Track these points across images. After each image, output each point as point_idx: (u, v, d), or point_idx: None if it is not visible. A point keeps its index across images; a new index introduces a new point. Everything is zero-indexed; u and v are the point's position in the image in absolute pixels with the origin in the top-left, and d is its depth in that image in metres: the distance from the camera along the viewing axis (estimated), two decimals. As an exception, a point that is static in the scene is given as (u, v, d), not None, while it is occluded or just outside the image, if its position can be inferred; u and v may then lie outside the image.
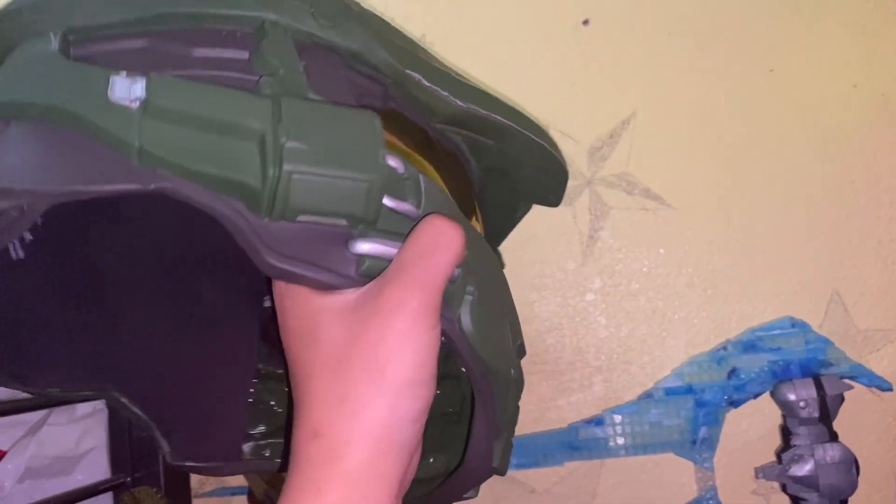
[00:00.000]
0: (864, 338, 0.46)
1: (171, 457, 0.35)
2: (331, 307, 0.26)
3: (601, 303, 0.48)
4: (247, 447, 0.38)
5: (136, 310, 0.36)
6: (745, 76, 0.46)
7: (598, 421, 0.46)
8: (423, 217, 0.27)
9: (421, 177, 0.28)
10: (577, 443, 0.46)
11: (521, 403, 0.48)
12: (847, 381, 0.45)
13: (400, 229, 0.27)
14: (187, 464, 0.36)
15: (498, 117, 0.35)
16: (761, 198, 0.47)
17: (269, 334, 0.40)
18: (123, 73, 0.24)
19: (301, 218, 0.25)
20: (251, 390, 0.39)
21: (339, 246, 0.26)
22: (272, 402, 0.40)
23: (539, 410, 0.48)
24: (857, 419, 0.46)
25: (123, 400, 0.35)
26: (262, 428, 0.39)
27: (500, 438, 0.32)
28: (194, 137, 0.24)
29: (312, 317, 0.26)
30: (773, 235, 0.47)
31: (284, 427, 0.39)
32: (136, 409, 0.35)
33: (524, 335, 0.48)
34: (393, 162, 0.27)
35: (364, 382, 0.25)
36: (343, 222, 0.26)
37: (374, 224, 0.26)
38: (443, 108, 0.34)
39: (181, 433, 0.36)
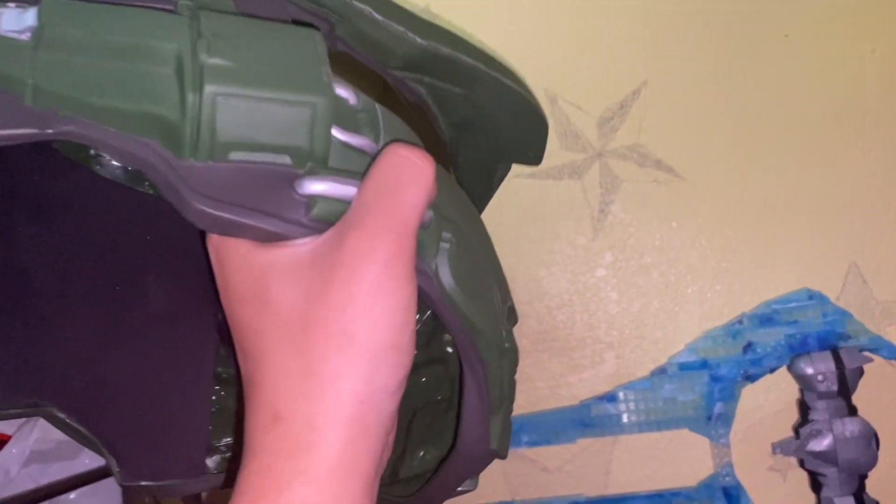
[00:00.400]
0: (883, 309, 0.45)
1: (121, 477, 0.31)
2: (281, 263, 0.22)
3: (612, 278, 0.47)
4: (211, 461, 0.34)
5: (71, 312, 0.32)
6: (758, 42, 0.45)
7: (610, 397, 0.45)
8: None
9: (377, 107, 0.24)
10: (589, 420, 0.45)
11: (531, 381, 0.48)
12: (866, 353, 0.44)
13: (356, 168, 0.23)
14: (142, 483, 0.31)
15: (464, 57, 0.31)
16: (776, 167, 0.46)
17: (230, 334, 0.37)
18: (12, 4, 0.20)
19: (234, 156, 0.21)
20: (213, 397, 0.35)
21: (283, 188, 0.22)
22: (238, 410, 0.35)
23: (550, 388, 0.47)
24: (876, 392, 0.45)
25: (60, 415, 0.31)
26: (228, 439, 0.35)
27: (497, 415, 0.28)
28: (98, 68, 0.20)
29: (259, 276, 0.22)
30: (789, 206, 0.46)
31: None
32: (75, 425, 0.31)
33: (534, 312, 0.47)
34: (343, 91, 0.23)
35: (331, 352, 0.21)
36: (286, 159, 0.21)
37: (325, 162, 0.22)
38: (399, 47, 0.29)
39: (132, 449, 0.32)
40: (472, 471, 0.30)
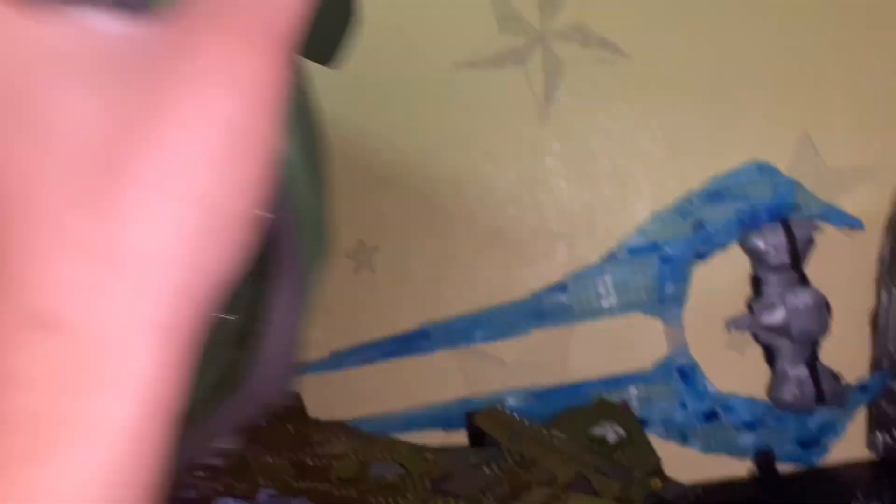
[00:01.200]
0: (834, 177, 0.44)
1: None
2: (69, 55, 0.13)
3: (561, 167, 0.46)
4: None
5: None
6: None
7: (561, 287, 0.45)
8: None
9: None
10: (542, 311, 0.45)
11: (484, 277, 0.47)
12: (817, 223, 0.43)
13: None
14: None
15: None
16: (725, 39, 0.44)
17: None
18: None
19: None
20: None
21: None
22: None
23: (502, 283, 0.46)
24: (829, 262, 0.44)
25: None
26: None
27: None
28: None
29: (26, 67, 0.13)
30: (739, 79, 0.44)
31: None
32: None
33: (483, 208, 0.46)
34: None
35: (154, 212, 0.13)
36: None
37: None
38: None
39: None
40: (243, 418, 0.19)
